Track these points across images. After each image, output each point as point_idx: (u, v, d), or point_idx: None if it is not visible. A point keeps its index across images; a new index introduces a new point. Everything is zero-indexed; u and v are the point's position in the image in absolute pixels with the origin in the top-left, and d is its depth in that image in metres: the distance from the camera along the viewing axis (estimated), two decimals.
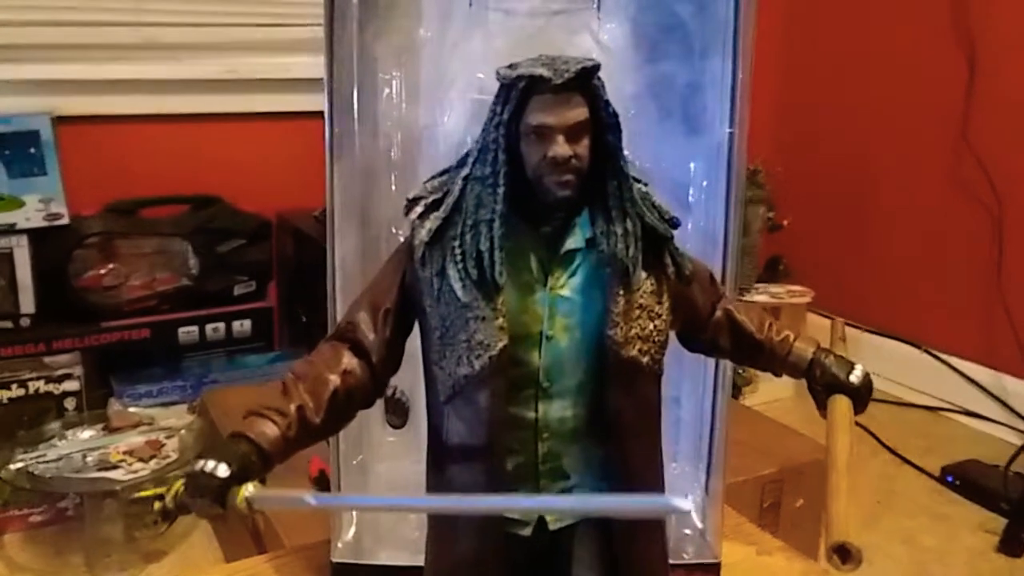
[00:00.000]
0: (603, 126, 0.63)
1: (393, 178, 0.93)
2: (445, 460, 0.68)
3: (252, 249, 2.00)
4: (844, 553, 0.61)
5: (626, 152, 0.65)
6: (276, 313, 2.06)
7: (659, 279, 0.67)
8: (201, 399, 1.72)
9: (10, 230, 1.72)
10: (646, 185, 0.68)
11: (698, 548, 0.94)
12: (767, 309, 2.06)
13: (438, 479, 0.69)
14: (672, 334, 0.72)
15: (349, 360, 0.67)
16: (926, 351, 2.31)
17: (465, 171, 0.65)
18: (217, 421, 1.57)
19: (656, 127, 0.92)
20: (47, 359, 1.72)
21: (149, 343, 1.86)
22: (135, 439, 1.57)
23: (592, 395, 0.67)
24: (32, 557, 1.56)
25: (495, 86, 0.63)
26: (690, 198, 0.94)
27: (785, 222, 2.32)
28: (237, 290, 1.98)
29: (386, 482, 0.98)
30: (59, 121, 1.81)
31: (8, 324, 1.74)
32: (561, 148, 0.61)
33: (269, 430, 0.64)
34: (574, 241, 0.65)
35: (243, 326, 1.96)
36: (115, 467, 1.49)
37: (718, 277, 0.79)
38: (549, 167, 0.62)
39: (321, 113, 0.85)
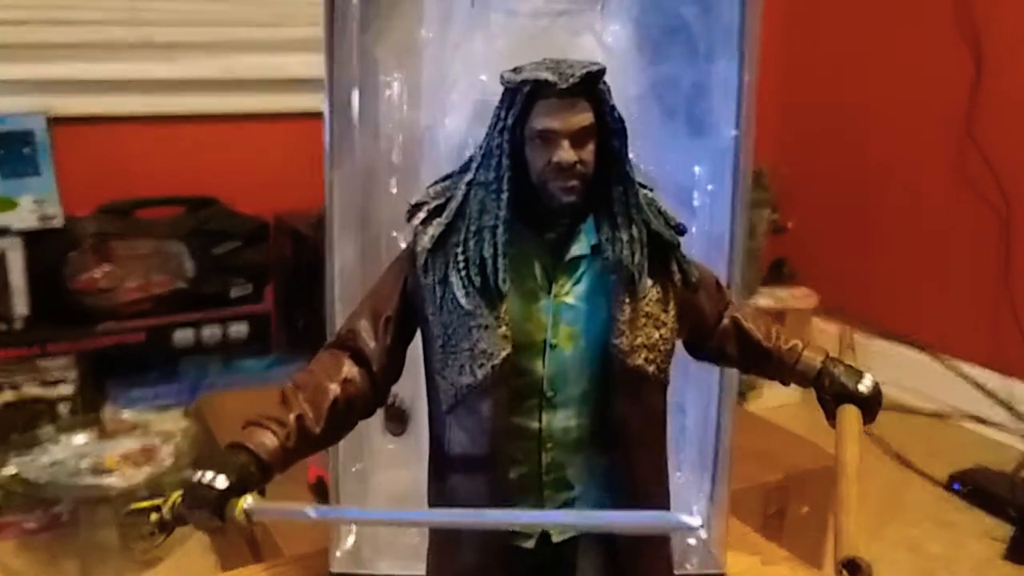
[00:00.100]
0: (608, 131, 0.62)
1: (394, 181, 0.91)
2: (447, 470, 0.67)
3: (249, 251, 1.99)
4: (854, 567, 0.60)
5: (631, 156, 0.64)
6: (273, 316, 2.05)
7: (665, 286, 0.66)
8: (197, 404, 1.70)
9: (3, 231, 1.70)
10: (652, 191, 0.67)
11: (702, 559, 0.93)
12: (771, 313, 2.05)
13: (440, 489, 0.68)
14: (679, 343, 0.70)
15: (349, 369, 0.66)
16: (932, 355, 2.27)
17: (468, 176, 0.64)
18: (213, 427, 1.56)
19: (660, 130, 0.90)
20: (41, 362, 1.71)
21: (144, 346, 1.84)
22: (130, 444, 1.56)
23: (597, 405, 0.66)
24: (27, 564, 1.55)
25: (497, 88, 0.62)
26: (695, 202, 0.93)
27: (789, 224, 2.31)
28: (233, 293, 1.96)
29: (385, 490, 0.96)
30: (54, 121, 1.79)
31: (1, 327, 1.72)
32: (566, 153, 0.60)
33: (268, 440, 0.63)
34: (579, 248, 0.64)
35: (240, 329, 1.95)
36: (110, 472, 1.47)
37: (724, 282, 0.78)
38: (554, 172, 0.61)
39: (319, 113, 0.83)
